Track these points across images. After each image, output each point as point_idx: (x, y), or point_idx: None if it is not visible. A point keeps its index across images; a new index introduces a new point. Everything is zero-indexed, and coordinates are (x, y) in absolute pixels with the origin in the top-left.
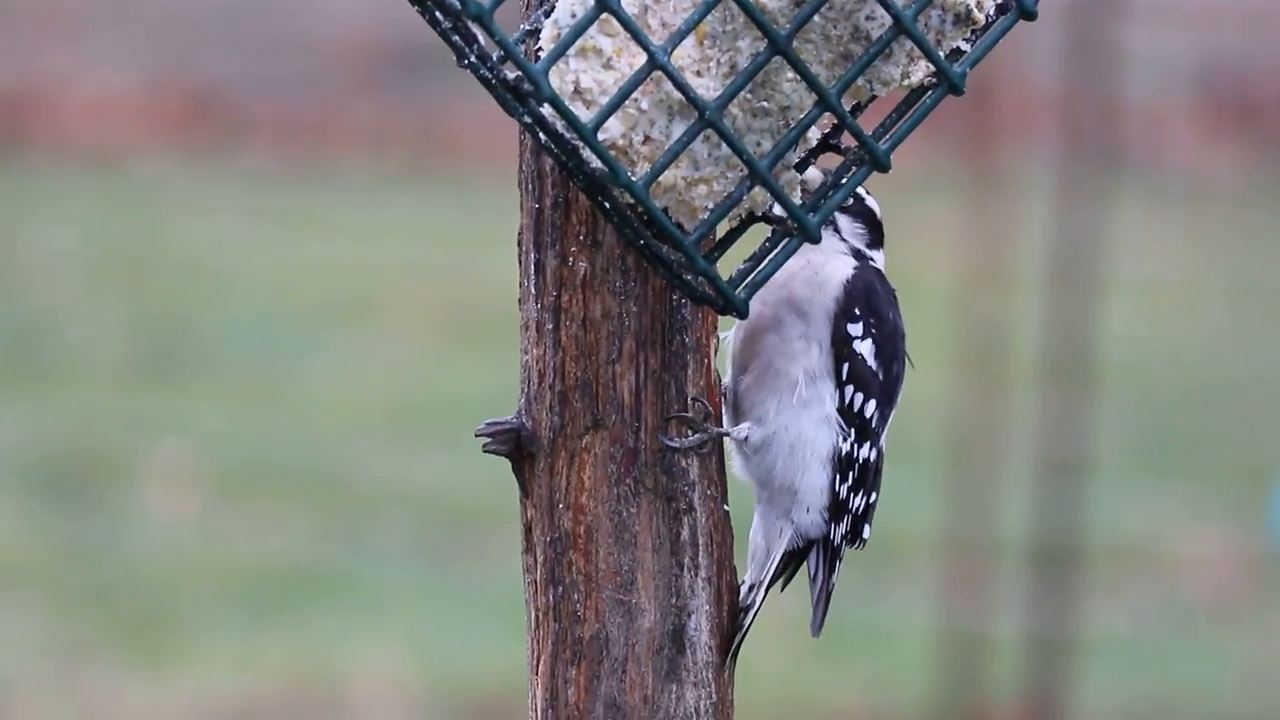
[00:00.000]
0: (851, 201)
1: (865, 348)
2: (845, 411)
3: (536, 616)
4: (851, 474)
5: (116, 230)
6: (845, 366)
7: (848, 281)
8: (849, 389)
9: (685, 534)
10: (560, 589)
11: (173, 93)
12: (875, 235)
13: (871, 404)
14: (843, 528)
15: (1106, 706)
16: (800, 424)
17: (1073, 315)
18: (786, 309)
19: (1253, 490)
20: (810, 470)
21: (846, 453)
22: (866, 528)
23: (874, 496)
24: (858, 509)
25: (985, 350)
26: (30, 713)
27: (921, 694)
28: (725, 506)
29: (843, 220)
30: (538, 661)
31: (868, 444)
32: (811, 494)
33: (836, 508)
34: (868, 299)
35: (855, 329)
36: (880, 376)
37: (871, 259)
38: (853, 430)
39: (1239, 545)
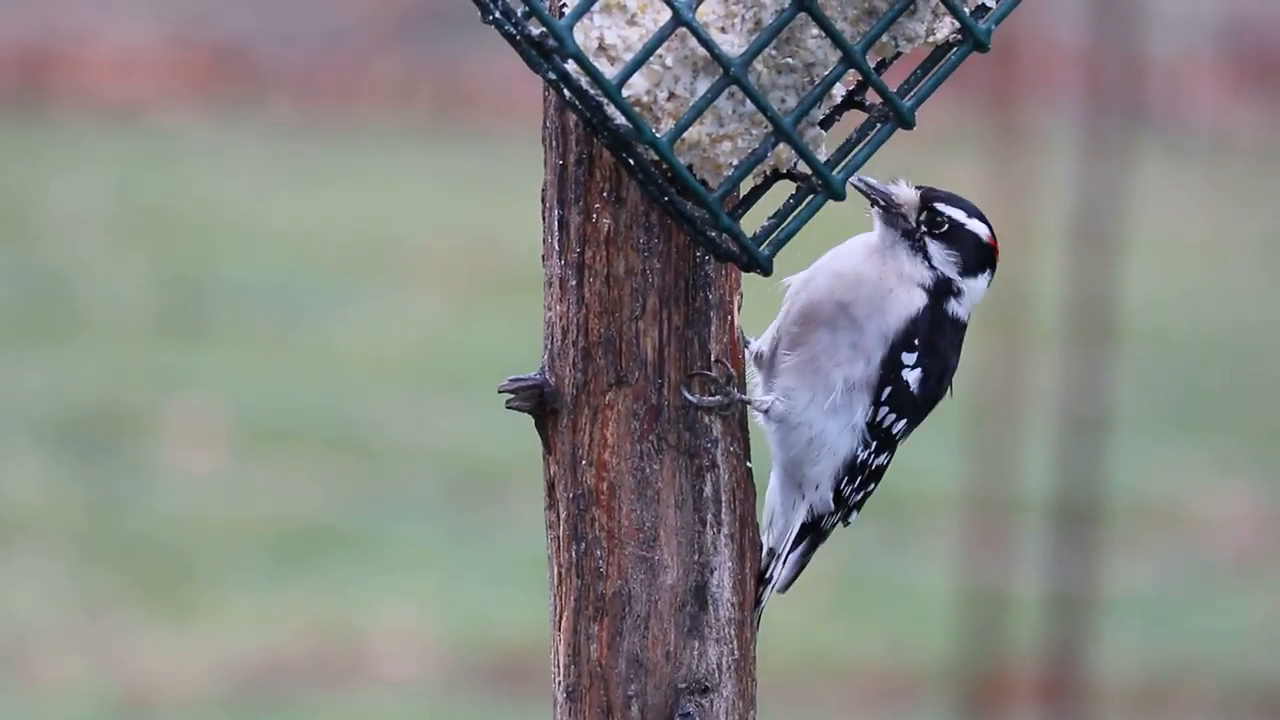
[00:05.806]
0: (947, 226)
1: (913, 375)
2: (873, 426)
3: (559, 573)
4: (860, 477)
5: (139, 185)
6: (888, 389)
7: (912, 318)
8: (884, 409)
9: (708, 491)
10: (583, 545)
11: (196, 47)
12: (973, 259)
13: (902, 423)
14: (836, 516)
15: (1128, 664)
16: (825, 426)
17: (1096, 272)
18: (844, 316)
19: (1276, 448)
20: (821, 463)
21: (862, 460)
22: (855, 514)
23: (873, 487)
24: (856, 502)
25: (1008, 307)
26: (53, 666)
27: (943, 651)
28: (748, 463)
29: (934, 247)
30: (560, 618)
31: (885, 453)
32: (820, 480)
33: (838, 498)
34: (930, 336)
35: (909, 358)
36: (918, 399)
37: (961, 288)
38: (875, 443)
39: (1261, 503)
